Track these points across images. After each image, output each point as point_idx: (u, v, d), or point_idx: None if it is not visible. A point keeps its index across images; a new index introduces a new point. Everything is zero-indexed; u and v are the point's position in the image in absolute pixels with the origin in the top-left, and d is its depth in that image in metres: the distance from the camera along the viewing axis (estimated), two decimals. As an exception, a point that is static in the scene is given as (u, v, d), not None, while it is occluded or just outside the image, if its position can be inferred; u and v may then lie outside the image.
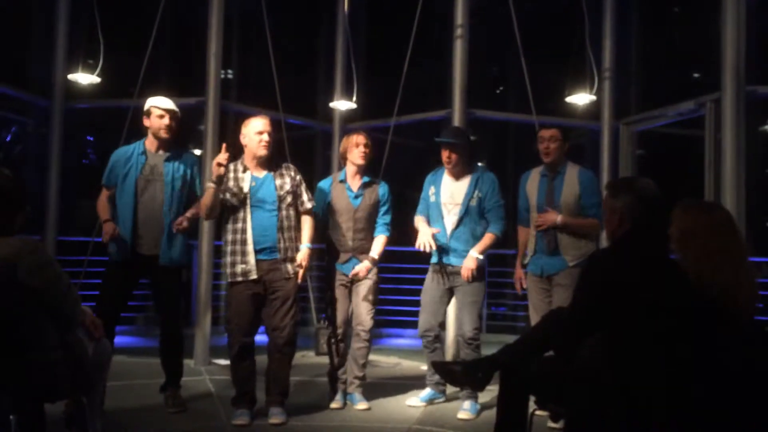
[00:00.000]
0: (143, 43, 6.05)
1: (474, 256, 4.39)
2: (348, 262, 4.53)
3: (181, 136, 4.62)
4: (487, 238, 4.44)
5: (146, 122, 4.33)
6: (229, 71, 9.18)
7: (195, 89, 6.24)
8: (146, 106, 4.35)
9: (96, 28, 6.18)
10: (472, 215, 4.47)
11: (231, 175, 4.19)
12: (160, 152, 4.32)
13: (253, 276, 4.09)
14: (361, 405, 4.51)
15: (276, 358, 4.17)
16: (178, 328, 4.39)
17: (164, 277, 4.29)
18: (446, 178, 4.59)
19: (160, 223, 4.24)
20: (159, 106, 4.31)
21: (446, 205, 4.53)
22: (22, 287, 2.55)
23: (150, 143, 4.33)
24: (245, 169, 4.20)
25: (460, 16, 6.42)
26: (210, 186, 4.06)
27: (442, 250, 4.49)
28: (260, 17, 6.30)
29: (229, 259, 4.14)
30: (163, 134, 4.29)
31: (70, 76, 6.29)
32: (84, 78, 6.18)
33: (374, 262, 4.51)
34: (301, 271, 4.17)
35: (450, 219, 4.51)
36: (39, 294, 2.59)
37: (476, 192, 4.48)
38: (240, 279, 4.11)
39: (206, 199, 4.11)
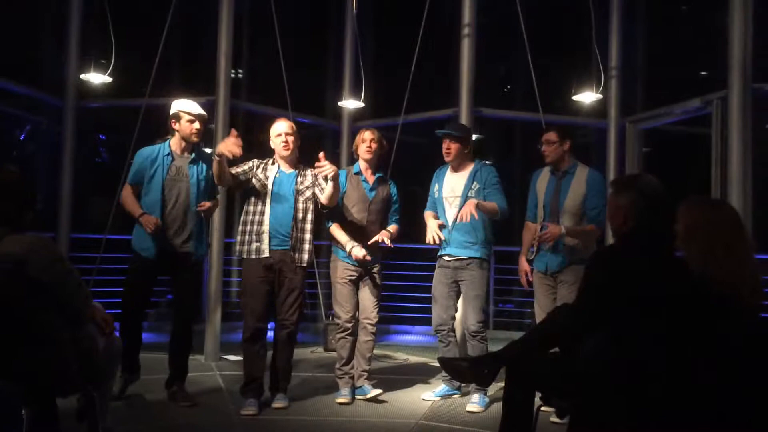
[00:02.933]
0: (154, 43, 6.11)
1: (473, 200, 4.42)
2: (357, 254, 4.57)
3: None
4: (490, 204, 4.48)
5: (175, 125, 4.41)
6: (239, 70, 9.23)
7: (205, 88, 6.30)
8: (174, 110, 4.41)
9: (108, 28, 6.24)
10: None
11: (261, 165, 4.41)
12: (185, 154, 4.42)
13: (266, 254, 4.26)
14: (374, 392, 4.57)
15: (279, 348, 4.37)
16: (191, 325, 4.53)
17: (189, 274, 4.45)
18: (448, 174, 4.73)
19: (186, 222, 4.36)
20: (190, 111, 4.38)
21: (447, 199, 4.67)
22: (32, 283, 2.59)
23: (176, 145, 4.42)
24: (274, 162, 4.43)
25: (467, 15, 6.45)
26: (215, 158, 4.17)
27: (446, 242, 4.57)
28: (270, 17, 6.35)
29: (246, 237, 4.33)
30: (194, 138, 4.41)
31: (83, 76, 6.36)
32: (96, 77, 6.25)
33: (390, 236, 4.56)
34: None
35: (451, 212, 4.63)
36: (50, 290, 2.63)
37: (475, 184, 4.58)
38: (253, 256, 4.29)
39: (214, 168, 4.25)
